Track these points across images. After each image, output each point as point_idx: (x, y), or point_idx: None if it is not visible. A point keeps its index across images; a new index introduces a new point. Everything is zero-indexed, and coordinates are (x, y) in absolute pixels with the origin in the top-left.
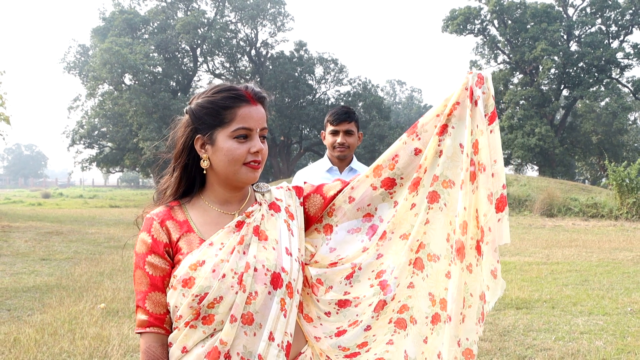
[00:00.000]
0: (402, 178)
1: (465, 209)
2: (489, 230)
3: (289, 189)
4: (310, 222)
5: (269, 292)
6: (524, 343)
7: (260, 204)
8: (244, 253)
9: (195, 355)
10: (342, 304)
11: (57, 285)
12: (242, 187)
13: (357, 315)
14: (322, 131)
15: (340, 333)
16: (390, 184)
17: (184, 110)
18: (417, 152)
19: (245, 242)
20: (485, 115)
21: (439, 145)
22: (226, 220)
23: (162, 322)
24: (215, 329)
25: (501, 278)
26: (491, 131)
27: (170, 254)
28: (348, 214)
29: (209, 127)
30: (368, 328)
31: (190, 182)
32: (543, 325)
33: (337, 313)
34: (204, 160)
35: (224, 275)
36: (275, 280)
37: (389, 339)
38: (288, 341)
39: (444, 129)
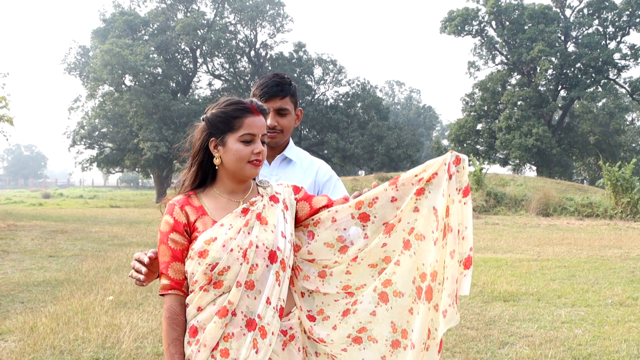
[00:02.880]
0: (375, 217)
1: (437, 262)
2: (447, 279)
3: (288, 186)
4: (297, 221)
5: (267, 265)
6: (508, 331)
7: (262, 196)
8: (249, 233)
9: (208, 313)
10: (313, 291)
11: (67, 280)
12: (246, 180)
13: (322, 303)
14: None
15: (310, 318)
16: (365, 219)
17: (201, 118)
18: (393, 199)
19: (249, 225)
20: (459, 190)
21: (415, 203)
22: (233, 207)
23: (180, 286)
24: (223, 292)
25: (454, 315)
26: (465, 203)
27: (188, 232)
28: (328, 230)
29: (221, 132)
30: (335, 327)
31: (204, 176)
32: (528, 315)
33: (309, 296)
34: (216, 158)
35: (231, 250)
36: (272, 256)
37: (345, 347)
38: (281, 305)
39: (421, 192)
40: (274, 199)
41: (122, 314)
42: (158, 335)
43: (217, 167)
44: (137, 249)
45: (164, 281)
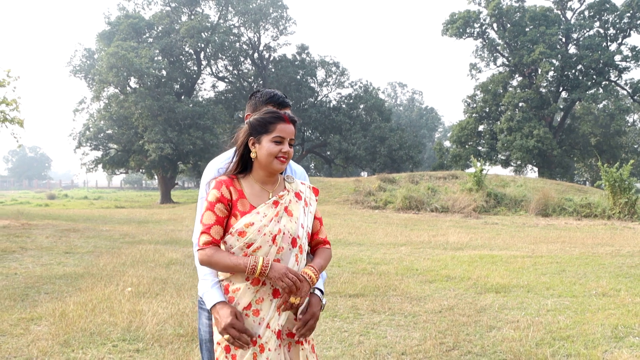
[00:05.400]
0: None
1: None
2: None
3: (309, 187)
4: None
5: (290, 249)
6: (497, 318)
7: (288, 191)
8: (278, 222)
9: (239, 278)
10: None
11: (86, 273)
12: (274, 173)
13: None
14: (251, 114)
15: None
16: None
17: (245, 122)
18: None
19: (279, 215)
20: None
21: None
22: (264, 194)
23: (218, 244)
24: None
25: None
26: None
27: (229, 207)
28: None
29: (258, 133)
30: None
31: (244, 165)
32: (516, 305)
33: None
34: (253, 153)
35: (264, 234)
36: (293, 242)
37: None
38: None
39: None
40: (298, 195)
41: (142, 302)
42: (178, 319)
43: (253, 160)
44: (149, 246)
45: (206, 238)
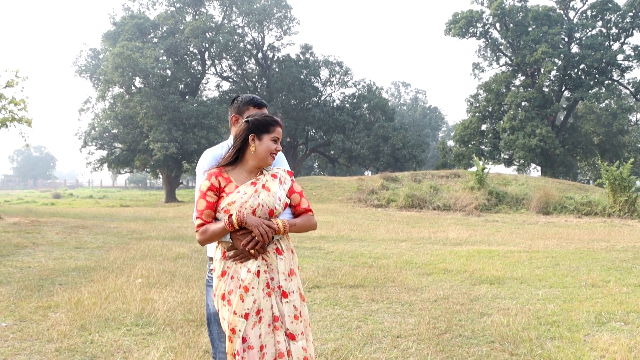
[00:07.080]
0: None
1: None
2: None
3: (284, 170)
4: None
5: (267, 219)
6: (489, 306)
7: (264, 174)
8: (258, 197)
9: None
10: None
11: (97, 266)
12: (265, 166)
13: None
14: (235, 115)
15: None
16: None
17: (244, 120)
18: None
19: (258, 192)
20: None
21: None
22: (248, 180)
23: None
24: None
25: None
26: None
27: (218, 193)
28: None
29: (260, 131)
30: None
31: (236, 157)
32: (509, 295)
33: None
34: (252, 147)
35: (246, 209)
36: (271, 213)
37: None
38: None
39: None
40: (273, 176)
41: (153, 292)
42: (187, 306)
43: (246, 153)
44: (157, 242)
45: (199, 222)
